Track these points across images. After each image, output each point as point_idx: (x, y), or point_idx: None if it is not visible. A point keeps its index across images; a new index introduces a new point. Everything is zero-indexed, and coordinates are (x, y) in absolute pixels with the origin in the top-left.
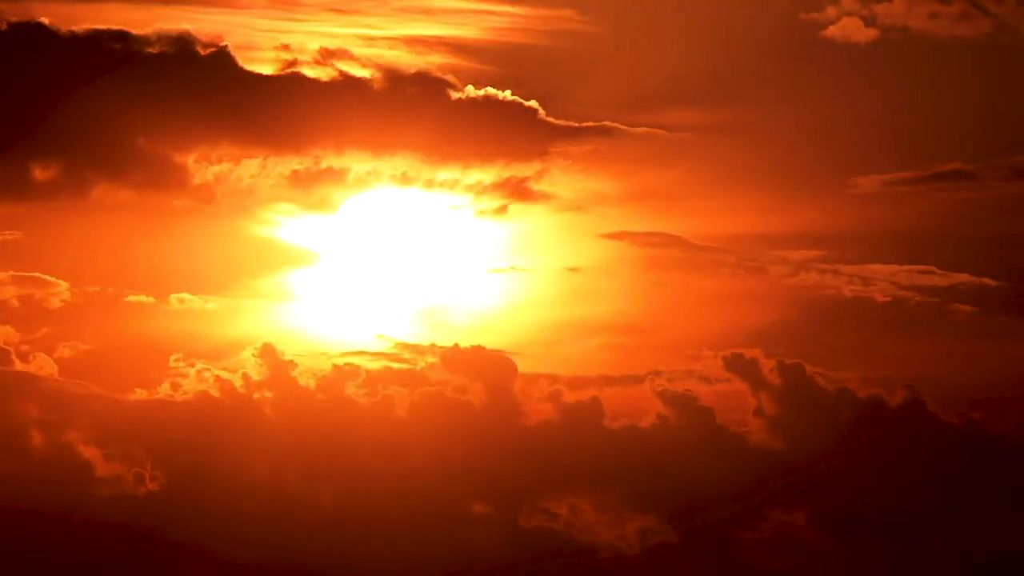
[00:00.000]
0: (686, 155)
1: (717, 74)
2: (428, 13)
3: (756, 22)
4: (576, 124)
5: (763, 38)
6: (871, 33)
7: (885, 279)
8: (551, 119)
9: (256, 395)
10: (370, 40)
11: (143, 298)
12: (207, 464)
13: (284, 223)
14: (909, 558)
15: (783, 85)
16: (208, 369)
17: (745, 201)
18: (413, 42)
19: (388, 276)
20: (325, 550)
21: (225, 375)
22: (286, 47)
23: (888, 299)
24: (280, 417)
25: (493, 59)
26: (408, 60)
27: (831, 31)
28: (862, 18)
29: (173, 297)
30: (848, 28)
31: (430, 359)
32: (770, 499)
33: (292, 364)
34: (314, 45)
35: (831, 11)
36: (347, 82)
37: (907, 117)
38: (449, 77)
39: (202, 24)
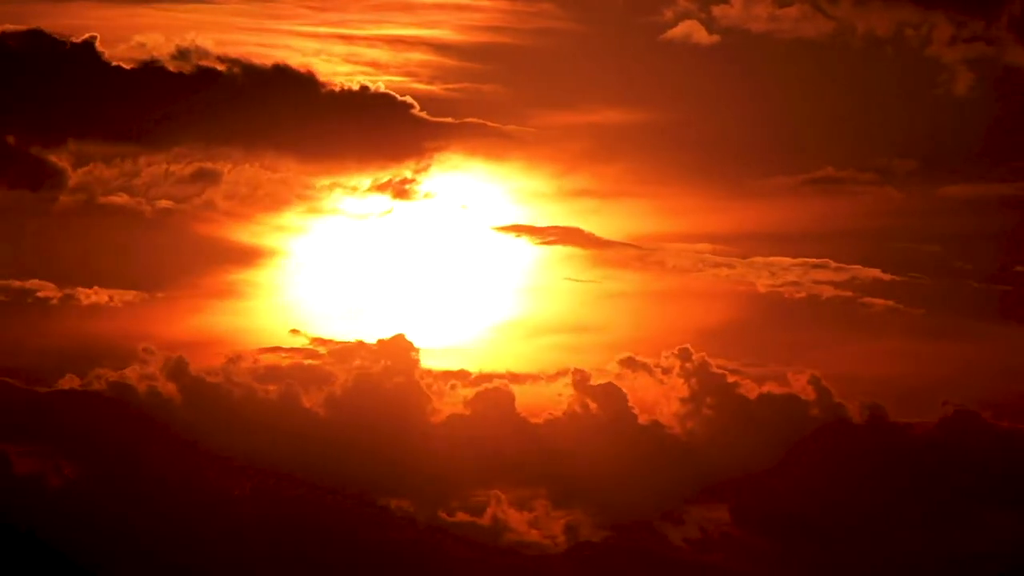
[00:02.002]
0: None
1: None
2: (407, 9)
3: (596, 27)
4: (453, 120)
5: (605, 43)
6: (713, 36)
7: (787, 270)
8: (425, 115)
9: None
10: (348, 39)
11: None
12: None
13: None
14: (836, 555)
15: (634, 88)
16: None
17: (646, 200)
18: (394, 41)
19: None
20: (241, 549)
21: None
22: (142, 44)
23: (803, 295)
24: (188, 412)
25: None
26: (388, 58)
27: (671, 34)
28: (700, 21)
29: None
30: (690, 31)
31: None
32: (692, 495)
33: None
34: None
35: (668, 14)
36: (207, 77)
37: (769, 120)
38: (316, 70)
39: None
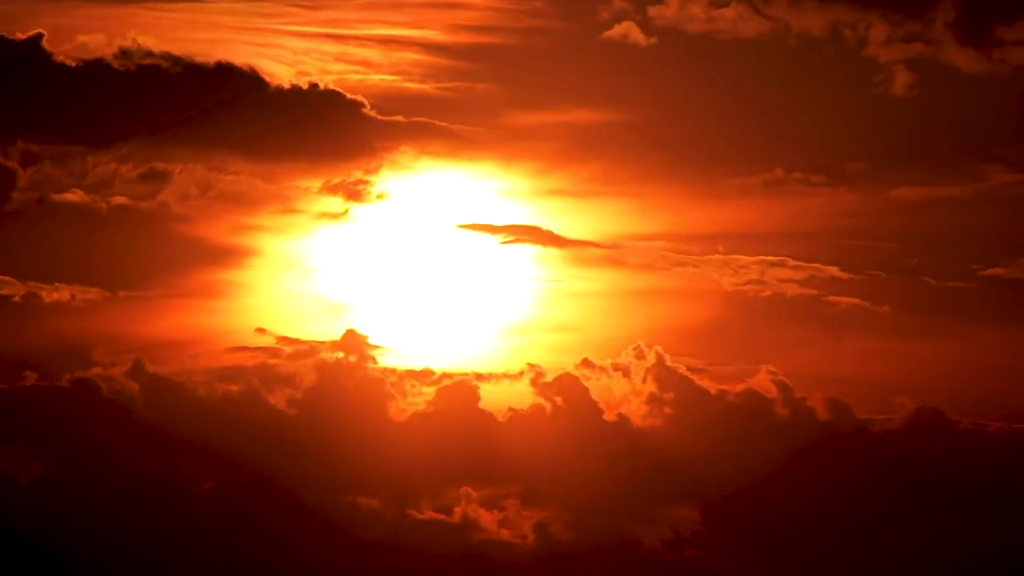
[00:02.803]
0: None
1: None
2: (397, 8)
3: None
4: (403, 119)
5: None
6: (652, 37)
7: (747, 268)
8: (375, 114)
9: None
10: (340, 39)
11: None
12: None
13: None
14: (805, 555)
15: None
16: None
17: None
18: (386, 40)
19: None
20: (205, 549)
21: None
22: (84, 44)
23: (768, 294)
24: (150, 410)
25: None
26: (379, 58)
27: (609, 35)
28: (636, 22)
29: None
30: (628, 31)
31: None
32: (662, 494)
33: None
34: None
35: (605, 14)
36: (149, 75)
37: (719, 121)
38: (261, 70)
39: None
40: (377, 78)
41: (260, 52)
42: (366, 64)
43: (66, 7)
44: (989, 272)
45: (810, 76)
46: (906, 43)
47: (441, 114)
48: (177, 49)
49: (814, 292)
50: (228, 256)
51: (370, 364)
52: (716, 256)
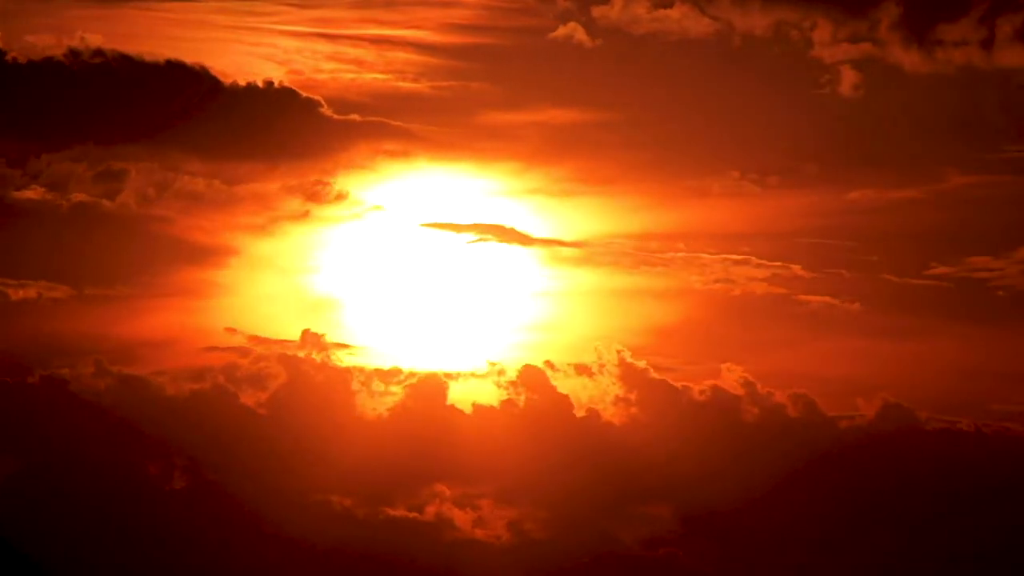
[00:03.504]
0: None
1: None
2: (389, 5)
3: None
4: (359, 118)
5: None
6: (597, 38)
7: (708, 267)
8: (331, 113)
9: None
10: (332, 39)
11: None
12: None
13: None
14: (778, 552)
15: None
16: None
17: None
18: (378, 40)
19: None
20: (176, 548)
21: None
22: (33, 43)
23: (739, 292)
24: (118, 409)
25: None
26: (372, 57)
27: (554, 36)
28: (580, 23)
29: None
30: (573, 32)
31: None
32: (634, 492)
33: None
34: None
35: (549, 15)
36: (99, 74)
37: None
38: (211, 68)
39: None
40: (370, 77)
41: (252, 51)
42: (358, 63)
43: (15, 5)
44: (939, 271)
45: (757, 77)
46: (853, 43)
47: (430, 114)
48: (159, 49)
49: (783, 291)
50: (196, 255)
51: (335, 362)
52: (680, 255)
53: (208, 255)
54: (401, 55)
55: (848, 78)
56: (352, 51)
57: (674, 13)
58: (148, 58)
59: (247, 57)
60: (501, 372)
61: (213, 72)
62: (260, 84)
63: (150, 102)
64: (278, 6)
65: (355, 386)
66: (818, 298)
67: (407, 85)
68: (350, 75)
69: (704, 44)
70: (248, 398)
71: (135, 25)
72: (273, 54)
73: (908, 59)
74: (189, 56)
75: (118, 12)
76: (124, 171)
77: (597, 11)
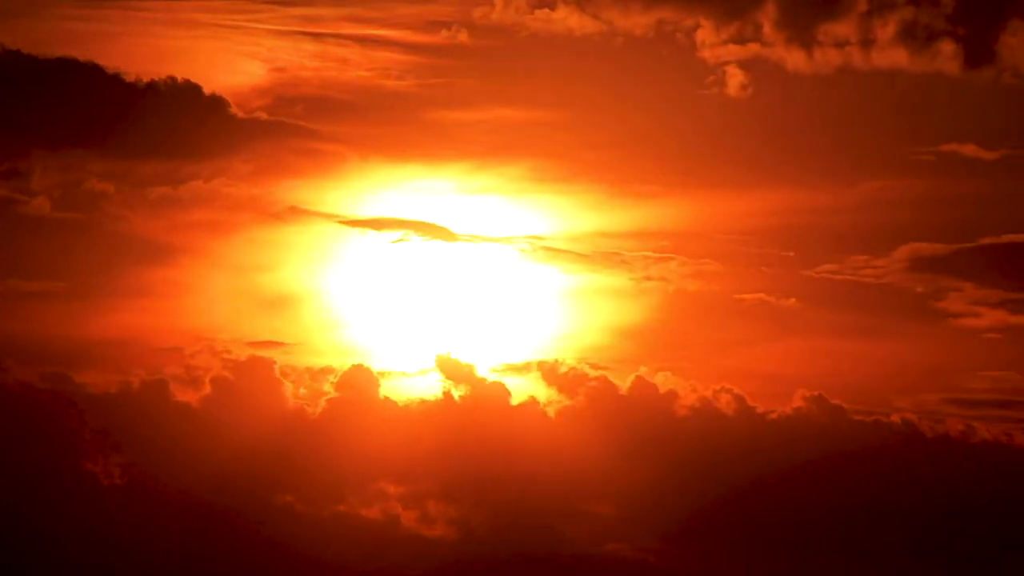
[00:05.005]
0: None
1: None
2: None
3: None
4: (265, 117)
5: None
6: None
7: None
8: (238, 112)
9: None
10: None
11: None
12: None
13: None
14: (721, 545)
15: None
16: None
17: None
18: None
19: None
20: (119, 546)
21: None
22: None
23: (673, 290)
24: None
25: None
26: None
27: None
28: (466, 27)
29: None
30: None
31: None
32: (578, 493)
33: None
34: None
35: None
36: None
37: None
38: (104, 63)
39: None
40: (356, 74)
41: (236, 49)
42: (343, 62)
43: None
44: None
45: (643, 78)
46: (740, 44)
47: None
48: (140, 49)
49: (718, 288)
50: (141, 254)
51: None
52: (604, 254)
53: (154, 254)
54: (386, 53)
55: (735, 78)
56: (337, 50)
57: (557, 14)
58: (38, 54)
59: (230, 55)
60: (442, 369)
61: (107, 68)
62: (161, 80)
63: (43, 98)
64: (263, 4)
65: (288, 385)
66: (753, 296)
67: (391, 83)
68: (334, 72)
69: (588, 43)
70: (192, 397)
71: (118, 25)
72: (257, 52)
73: (790, 59)
74: (173, 55)
75: (101, 12)
76: (30, 169)
77: (478, 12)
